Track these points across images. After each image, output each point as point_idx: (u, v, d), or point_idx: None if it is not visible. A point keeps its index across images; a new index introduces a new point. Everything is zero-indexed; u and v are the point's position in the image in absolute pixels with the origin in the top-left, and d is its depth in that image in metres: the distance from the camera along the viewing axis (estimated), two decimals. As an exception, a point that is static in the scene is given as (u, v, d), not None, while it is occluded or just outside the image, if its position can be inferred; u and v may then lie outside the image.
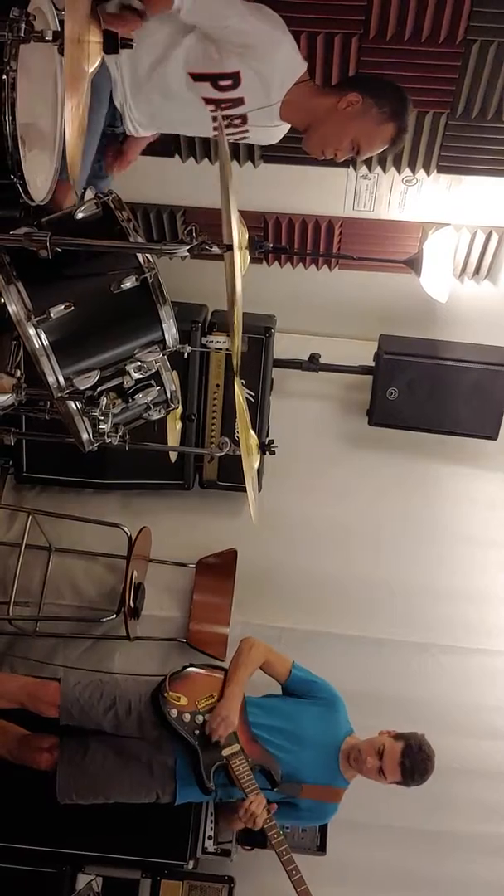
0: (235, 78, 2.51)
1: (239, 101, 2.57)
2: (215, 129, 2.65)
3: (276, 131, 2.77)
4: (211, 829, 3.52)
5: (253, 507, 2.90)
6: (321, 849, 3.52)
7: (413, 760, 3.03)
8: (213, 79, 2.53)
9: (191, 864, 3.45)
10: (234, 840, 3.50)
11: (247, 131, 2.71)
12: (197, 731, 3.02)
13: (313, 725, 3.17)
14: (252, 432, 2.85)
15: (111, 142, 2.86)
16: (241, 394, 2.56)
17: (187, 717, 3.04)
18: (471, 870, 3.87)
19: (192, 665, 3.24)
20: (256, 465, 2.97)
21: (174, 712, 3.03)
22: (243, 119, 2.64)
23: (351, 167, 3.67)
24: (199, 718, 3.04)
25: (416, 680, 4.05)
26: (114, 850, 3.41)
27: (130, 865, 3.43)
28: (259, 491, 4.06)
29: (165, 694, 3.06)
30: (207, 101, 2.58)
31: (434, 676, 4.07)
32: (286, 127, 2.75)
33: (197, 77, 2.54)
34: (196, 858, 3.48)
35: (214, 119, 2.61)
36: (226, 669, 3.21)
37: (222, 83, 2.53)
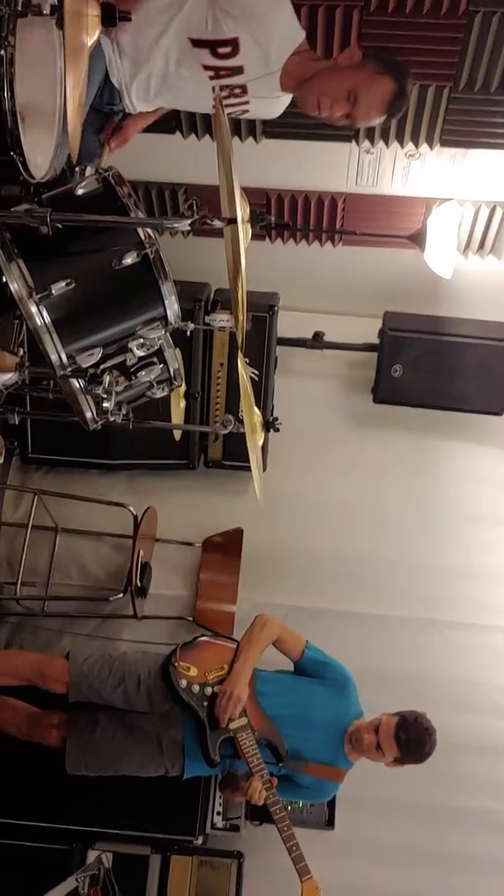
0: (234, 44, 2.48)
1: (238, 70, 2.54)
2: (215, 100, 2.62)
3: (277, 104, 2.74)
4: (220, 804, 3.55)
5: (258, 485, 2.90)
6: (329, 824, 3.56)
7: (408, 733, 3.01)
8: (212, 45, 2.49)
9: (200, 840, 3.48)
10: (242, 815, 3.53)
11: (247, 103, 2.68)
12: (205, 703, 3.02)
13: (322, 706, 3.15)
14: (256, 410, 2.85)
15: (108, 119, 2.83)
16: (244, 370, 2.55)
17: (196, 688, 3.03)
18: (476, 845, 3.89)
19: (203, 636, 3.24)
20: (261, 442, 2.97)
21: (183, 682, 3.02)
22: (243, 89, 2.60)
23: (353, 142, 3.65)
24: (209, 690, 3.03)
25: (423, 656, 4.06)
26: (124, 827, 3.45)
27: (140, 841, 3.47)
28: (264, 470, 4.07)
29: (175, 664, 3.06)
30: (206, 67, 2.54)
31: (440, 652, 4.08)
32: (287, 99, 2.72)
33: (196, 43, 2.51)
34: (205, 834, 3.52)
35: (214, 91, 2.58)
36: (238, 642, 3.19)
37: (221, 50, 2.49)
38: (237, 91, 2.61)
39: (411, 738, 3.01)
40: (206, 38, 2.49)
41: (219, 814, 3.56)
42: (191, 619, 4.00)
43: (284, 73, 2.56)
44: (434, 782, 3.79)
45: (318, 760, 3.12)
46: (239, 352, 2.34)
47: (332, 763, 3.14)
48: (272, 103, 2.72)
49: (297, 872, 2.80)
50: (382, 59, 2.58)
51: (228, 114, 2.71)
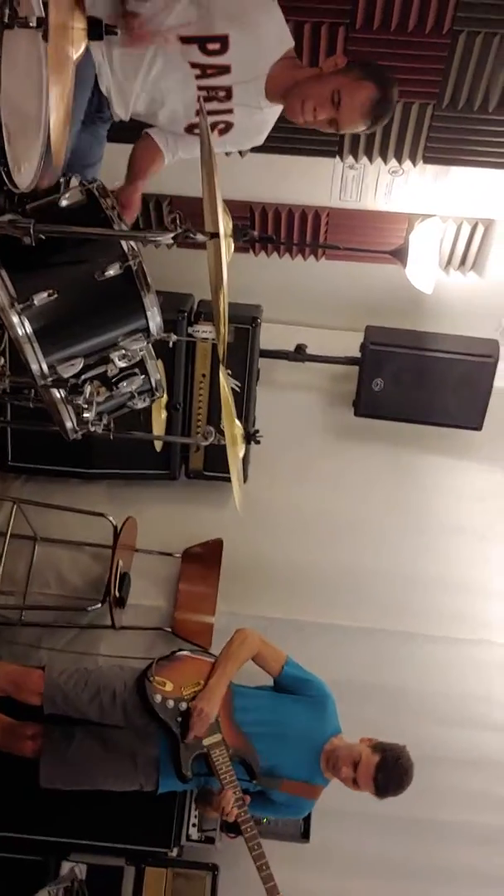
0: (224, 41, 2.48)
1: (225, 69, 2.53)
2: (198, 111, 2.63)
3: (262, 121, 2.75)
4: (195, 816, 3.54)
5: (238, 496, 2.90)
6: (305, 836, 3.55)
7: (387, 776, 2.98)
8: (202, 41, 2.49)
9: (175, 852, 3.47)
10: (218, 828, 3.51)
11: (231, 112, 2.67)
12: (179, 719, 3.00)
13: (299, 722, 3.13)
14: (237, 422, 2.86)
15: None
16: (226, 382, 2.56)
17: (171, 703, 3.02)
18: (455, 858, 3.90)
19: (182, 650, 3.23)
20: (242, 454, 2.98)
21: (158, 697, 3.01)
22: (228, 92, 2.60)
23: (337, 157, 3.67)
24: (183, 705, 3.02)
25: (404, 669, 4.07)
26: (98, 838, 3.43)
27: (115, 853, 3.45)
28: (245, 481, 4.08)
29: (151, 678, 3.04)
30: (194, 65, 2.54)
31: (421, 666, 4.09)
32: (274, 114, 2.73)
33: (186, 40, 2.51)
34: (180, 846, 3.50)
35: (198, 101, 2.59)
36: (216, 656, 3.18)
37: (210, 46, 2.49)
38: (221, 95, 2.61)
39: (390, 782, 2.99)
40: (196, 34, 2.49)
41: (194, 826, 3.54)
42: (169, 629, 3.99)
43: (270, 80, 2.57)
44: (414, 794, 3.75)
45: (294, 778, 3.10)
46: (220, 364, 2.36)
47: (308, 780, 3.13)
48: (256, 117, 2.72)
49: (266, 892, 2.80)
50: (367, 65, 2.59)
51: (211, 123, 2.72)
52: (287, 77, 2.59)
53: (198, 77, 2.57)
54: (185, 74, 2.59)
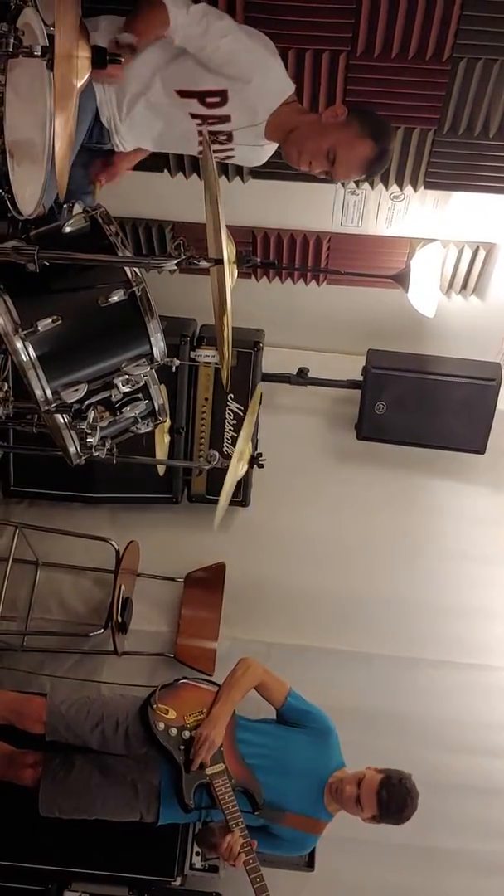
0: (223, 95, 2.53)
1: (225, 119, 2.59)
2: (201, 143, 2.66)
3: (262, 152, 2.78)
4: (198, 845, 3.51)
5: (220, 510, 2.91)
6: (309, 865, 3.51)
7: (390, 793, 2.94)
8: (201, 95, 2.54)
9: (178, 881, 3.43)
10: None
11: (232, 150, 2.72)
12: (182, 747, 2.98)
13: (302, 755, 3.10)
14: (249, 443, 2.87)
15: (98, 155, 2.87)
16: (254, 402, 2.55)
17: (174, 731, 3.00)
18: (461, 886, 3.85)
19: (185, 678, 3.21)
20: (242, 472, 2.99)
21: (161, 725, 2.99)
22: (229, 136, 2.65)
23: (339, 183, 3.69)
24: (186, 734, 3.00)
25: (407, 695, 4.04)
26: (100, 867, 3.39)
27: (117, 882, 3.41)
28: (247, 504, 4.08)
29: (154, 706, 3.02)
30: (194, 116, 2.59)
31: (424, 692, 4.06)
32: (272, 147, 2.77)
33: (184, 94, 2.56)
34: (184, 875, 3.47)
35: (201, 133, 2.62)
36: (220, 686, 3.16)
37: (209, 100, 2.54)
38: (222, 138, 2.66)
39: (392, 799, 2.95)
40: (194, 89, 2.53)
41: (198, 854, 3.51)
42: (171, 655, 3.96)
43: (270, 124, 2.61)
44: (418, 822, 3.72)
45: (297, 811, 3.07)
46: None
47: (312, 815, 3.09)
48: (257, 151, 2.76)
49: None
50: (366, 119, 2.62)
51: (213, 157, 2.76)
52: (287, 121, 2.63)
53: (199, 125, 2.62)
54: (185, 130, 2.63)
